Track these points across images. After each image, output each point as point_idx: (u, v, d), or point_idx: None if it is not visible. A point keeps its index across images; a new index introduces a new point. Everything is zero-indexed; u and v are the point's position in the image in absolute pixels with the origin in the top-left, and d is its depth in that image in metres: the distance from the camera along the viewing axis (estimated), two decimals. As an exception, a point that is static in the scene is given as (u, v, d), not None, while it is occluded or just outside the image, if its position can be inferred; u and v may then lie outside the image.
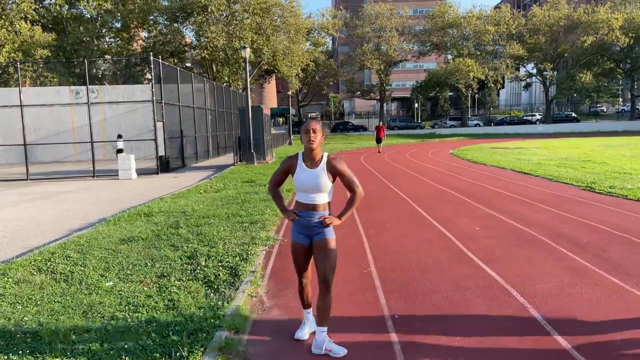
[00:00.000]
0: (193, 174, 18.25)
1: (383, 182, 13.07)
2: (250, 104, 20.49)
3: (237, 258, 5.68)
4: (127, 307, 4.42)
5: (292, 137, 43.82)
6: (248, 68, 22.37)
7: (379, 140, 27.60)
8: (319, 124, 3.40)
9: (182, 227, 7.42)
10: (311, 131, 3.35)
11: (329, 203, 3.50)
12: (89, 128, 18.70)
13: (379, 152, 27.17)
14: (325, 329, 3.48)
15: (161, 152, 18.85)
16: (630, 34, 50.66)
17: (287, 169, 3.51)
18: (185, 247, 6.26)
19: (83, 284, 5.12)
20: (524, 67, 61.34)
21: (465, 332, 3.72)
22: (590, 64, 55.08)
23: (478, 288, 4.61)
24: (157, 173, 18.37)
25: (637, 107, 57.98)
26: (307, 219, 3.44)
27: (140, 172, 18.17)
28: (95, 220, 9.06)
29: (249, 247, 6.17)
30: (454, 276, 4.98)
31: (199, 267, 5.45)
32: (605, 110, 74.54)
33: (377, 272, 5.19)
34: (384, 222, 7.82)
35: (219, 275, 5.15)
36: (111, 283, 5.11)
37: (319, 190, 3.39)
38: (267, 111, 22.01)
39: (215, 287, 4.84)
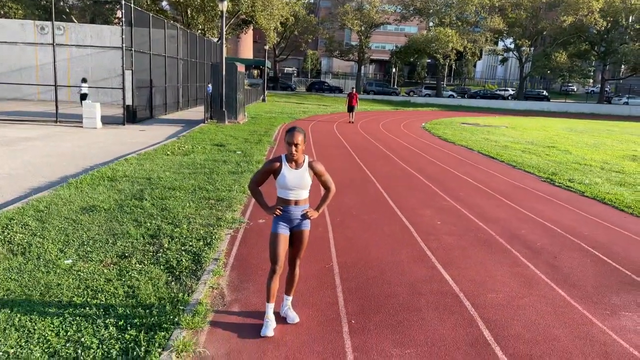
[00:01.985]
0: (161, 127, 17.85)
1: (354, 160, 13.12)
2: (224, 59, 19.86)
3: (201, 242, 5.67)
4: (85, 292, 4.40)
5: (265, 93, 43.06)
6: (225, 16, 21.55)
7: (350, 109, 25.38)
8: (301, 135, 3.71)
9: (146, 199, 7.32)
10: (293, 146, 3.68)
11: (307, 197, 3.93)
12: (53, 70, 17.92)
13: (351, 122, 25.17)
14: (291, 298, 4.16)
15: (128, 102, 18.28)
16: (609, 18, 51.19)
17: (270, 170, 3.82)
18: (149, 224, 6.21)
19: (41, 259, 5.05)
20: (503, 41, 61.49)
21: (418, 342, 3.89)
22: (567, 44, 55.68)
23: (433, 294, 4.79)
24: (124, 124, 17.89)
25: (605, 89, 59.31)
26: (291, 212, 3.85)
27: (106, 121, 17.65)
28: (57, 179, 8.84)
29: (213, 229, 6.16)
30: (412, 279, 5.15)
31: (161, 250, 5.44)
32: (575, 89, 76.09)
33: (338, 269, 5.31)
34: (350, 208, 7.92)
35: (182, 261, 5.15)
36: (70, 261, 5.05)
37: (303, 187, 3.82)
38: (241, 69, 21.41)
39: (177, 274, 4.86)
